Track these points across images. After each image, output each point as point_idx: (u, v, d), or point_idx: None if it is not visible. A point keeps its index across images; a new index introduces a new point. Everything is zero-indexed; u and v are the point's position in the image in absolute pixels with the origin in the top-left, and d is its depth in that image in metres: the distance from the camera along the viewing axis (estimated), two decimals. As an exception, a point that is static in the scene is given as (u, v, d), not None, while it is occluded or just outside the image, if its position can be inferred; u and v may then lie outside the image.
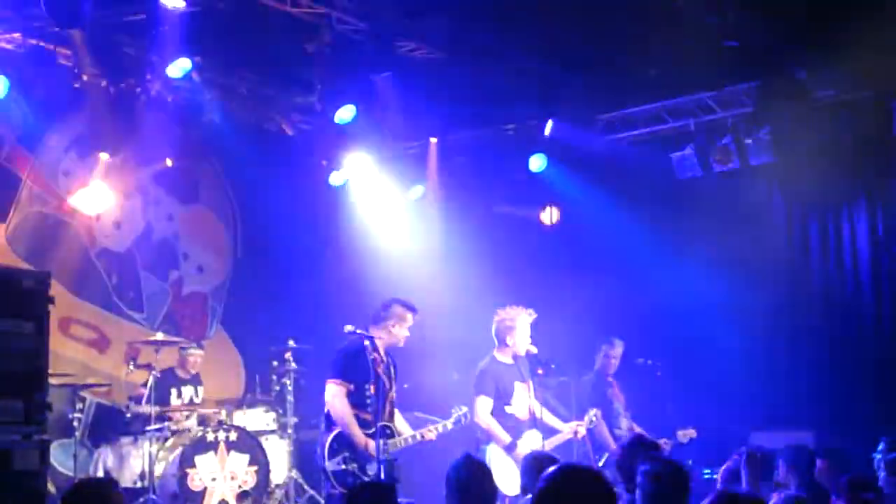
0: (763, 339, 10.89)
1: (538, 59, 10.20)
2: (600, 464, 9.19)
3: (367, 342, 7.87)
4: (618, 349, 9.69)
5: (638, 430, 9.60)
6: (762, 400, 10.66)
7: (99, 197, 10.51)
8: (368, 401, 7.75)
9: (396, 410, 8.18)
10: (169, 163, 11.30)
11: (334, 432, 7.70)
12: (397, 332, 8.06)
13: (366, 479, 7.57)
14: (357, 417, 7.74)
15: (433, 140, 11.82)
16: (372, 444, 7.61)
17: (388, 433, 7.85)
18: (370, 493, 4.48)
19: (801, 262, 11.12)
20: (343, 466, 7.61)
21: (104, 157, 10.33)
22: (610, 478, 7.14)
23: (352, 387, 7.76)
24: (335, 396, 7.72)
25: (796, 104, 9.76)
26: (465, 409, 8.30)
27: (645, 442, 6.15)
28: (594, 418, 8.86)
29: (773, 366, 10.79)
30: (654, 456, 5.37)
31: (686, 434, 9.58)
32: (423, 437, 8.12)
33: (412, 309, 8.16)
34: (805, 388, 10.52)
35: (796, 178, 10.77)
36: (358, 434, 7.66)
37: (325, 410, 7.86)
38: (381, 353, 7.96)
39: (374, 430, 7.68)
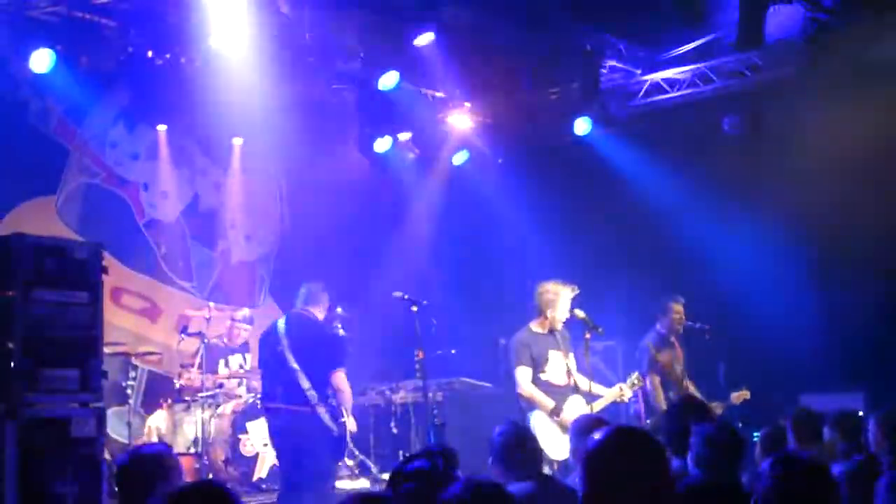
0: (813, 300, 10.78)
1: (581, 20, 10.12)
2: (650, 427, 9.16)
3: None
4: (680, 308, 9.59)
5: (694, 393, 9.53)
6: (812, 361, 10.57)
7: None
8: None
9: None
10: (239, 141, 11.39)
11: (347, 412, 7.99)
12: (323, 313, 8.32)
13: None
14: None
15: (467, 104, 11.76)
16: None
17: None
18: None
19: (850, 220, 10.96)
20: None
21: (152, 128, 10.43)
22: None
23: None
24: (345, 380, 8.00)
25: (847, 62, 9.60)
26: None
27: (695, 404, 6.09)
28: (636, 381, 8.82)
29: (823, 326, 10.68)
30: (709, 419, 5.33)
31: (740, 396, 9.50)
32: None
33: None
34: (856, 348, 10.41)
35: (847, 137, 10.60)
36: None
37: (328, 393, 7.93)
38: None
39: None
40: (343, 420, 7.87)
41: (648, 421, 9.20)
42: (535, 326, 8.63)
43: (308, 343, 7.93)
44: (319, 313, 8.21)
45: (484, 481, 3.38)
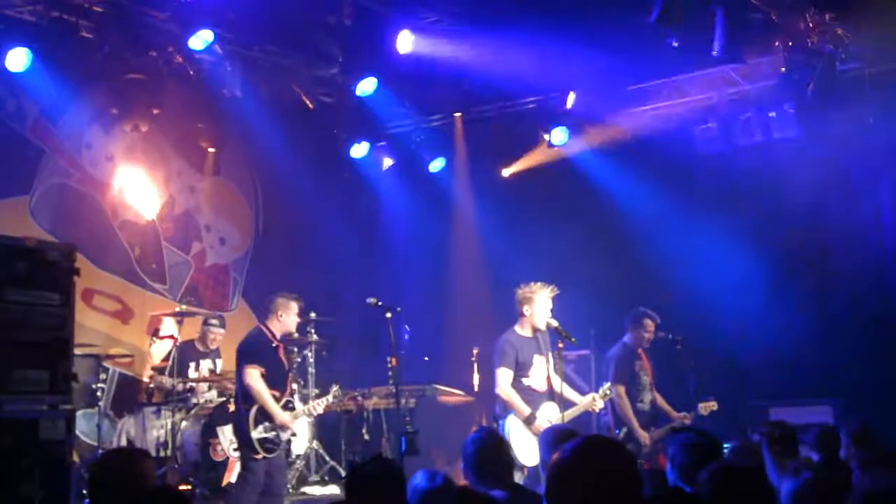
0: (782, 313, 10.86)
1: (559, 31, 10.13)
2: (620, 437, 9.20)
3: (266, 332, 8.62)
4: (652, 324, 9.64)
5: (662, 404, 9.60)
6: (782, 373, 10.65)
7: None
8: (276, 380, 8.54)
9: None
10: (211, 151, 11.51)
11: (255, 406, 8.37)
12: (286, 321, 8.70)
13: (282, 444, 8.50)
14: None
15: (458, 115, 11.80)
16: (284, 415, 8.48)
17: (290, 407, 8.67)
18: (376, 467, 4.40)
19: (823, 236, 11.06)
20: (265, 434, 8.36)
21: (128, 129, 10.39)
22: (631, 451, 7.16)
23: (263, 370, 8.43)
24: (254, 378, 8.39)
25: (821, 77, 9.67)
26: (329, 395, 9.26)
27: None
28: (608, 391, 8.87)
29: (792, 339, 10.76)
30: (687, 428, 5.32)
31: (707, 406, 9.56)
32: (314, 409, 9.26)
33: (296, 298, 8.80)
34: (825, 360, 10.49)
35: (821, 152, 10.69)
36: (275, 407, 8.44)
37: (241, 390, 8.48)
38: (277, 340, 8.66)
39: (281, 404, 8.53)
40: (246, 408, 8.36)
41: (618, 432, 9.25)
42: (518, 328, 8.70)
43: (237, 351, 8.66)
44: (275, 324, 8.64)
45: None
